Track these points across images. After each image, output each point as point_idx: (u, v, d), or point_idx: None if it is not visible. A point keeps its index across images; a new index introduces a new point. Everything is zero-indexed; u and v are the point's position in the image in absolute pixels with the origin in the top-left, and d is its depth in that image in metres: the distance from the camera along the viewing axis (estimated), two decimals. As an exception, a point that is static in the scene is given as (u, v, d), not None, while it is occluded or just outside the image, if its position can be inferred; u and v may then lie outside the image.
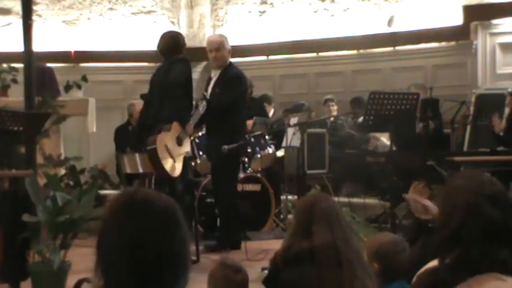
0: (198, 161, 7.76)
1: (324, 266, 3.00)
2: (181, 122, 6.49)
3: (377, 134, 9.12)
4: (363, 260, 3.09)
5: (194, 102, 6.86)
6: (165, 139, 6.41)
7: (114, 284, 1.70)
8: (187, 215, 6.66)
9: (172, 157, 6.41)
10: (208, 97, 6.68)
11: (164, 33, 6.95)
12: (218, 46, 6.95)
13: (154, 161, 6.39)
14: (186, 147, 6.60)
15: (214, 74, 7.13)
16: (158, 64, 7.30)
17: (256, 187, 7.81)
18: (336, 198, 7.14)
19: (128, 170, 8.42)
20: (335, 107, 9.99)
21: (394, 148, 7.27)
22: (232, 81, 6.83)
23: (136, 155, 7.69)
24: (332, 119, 9.74)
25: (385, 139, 9.19)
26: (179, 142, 6.48)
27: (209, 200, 7.48)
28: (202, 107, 6.59)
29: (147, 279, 1.68)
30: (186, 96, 6.59)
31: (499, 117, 7.14)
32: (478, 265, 2.14)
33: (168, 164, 6.39)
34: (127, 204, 1.74)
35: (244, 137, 7.25)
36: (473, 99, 8.76)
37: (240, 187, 7.66)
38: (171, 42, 6.73)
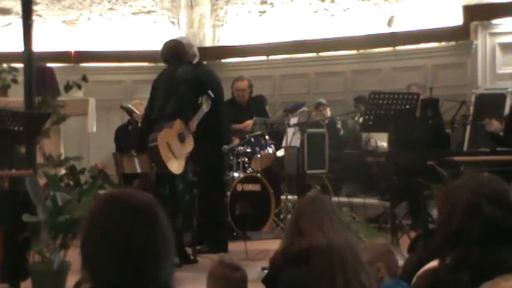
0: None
1: (319, 265, 3.01)
2: (184, 119, 6.47)
3: (372, 134, 9.13)
4: (361, 260, 3.08)
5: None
6: (167, 136, 6.38)
7: (101, 282, 1.73)
8: (187, 215, 6.69)
9: (174, 155, 6.39)
10: (212, 96, 6.63)
11: (166, 42, 6.95)
12: None
13: (156, 158, 6.37)
14: (189, 146, 6.55)
15: None
16: (158, 64, 7.29)
17: (256, 187, 7.81)
18: (336, 198, 7.18)
19: (126, 170, 8.44)
20: (328, 109, 9.97)
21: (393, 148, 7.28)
22: None
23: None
24: (327, 121, 9.70)
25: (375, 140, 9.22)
26: (182, 139, 6.45)
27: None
28: (206, 105, 6.57)
29: (132, 274, 1.72)
30: (191, 94, 6.56)
31: (495, 119, 7.13)
32: (478, 265, 2.13)
33: (169, 161, 6.37)
34: (107, 203, 1.79)
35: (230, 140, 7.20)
36: (473, 99, 8.76)
37: (240, 187, 7.66)
38: (171, 52, 6.76)
